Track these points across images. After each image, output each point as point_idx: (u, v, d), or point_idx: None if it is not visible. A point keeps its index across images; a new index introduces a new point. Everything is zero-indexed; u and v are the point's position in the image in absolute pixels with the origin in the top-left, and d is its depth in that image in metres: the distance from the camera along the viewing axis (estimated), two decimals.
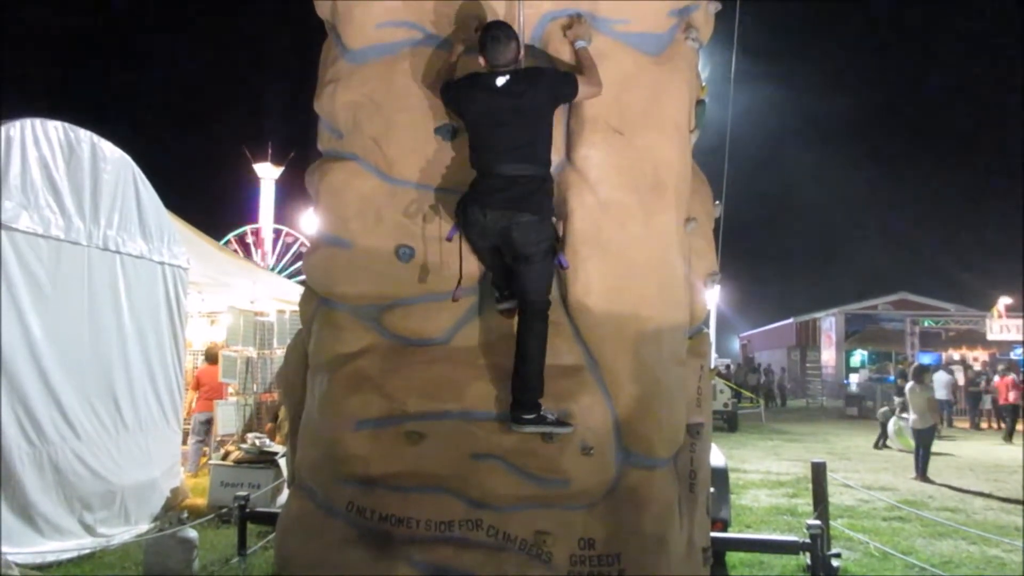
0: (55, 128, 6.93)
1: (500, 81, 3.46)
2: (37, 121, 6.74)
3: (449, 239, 3.60)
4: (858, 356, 34.27)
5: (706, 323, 4.64)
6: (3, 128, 6.35)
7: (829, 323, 35.60)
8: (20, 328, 6.35)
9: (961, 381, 23.60)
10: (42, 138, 6.75)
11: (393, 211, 3.83)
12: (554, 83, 3.52)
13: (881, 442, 15.78)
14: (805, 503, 8.96)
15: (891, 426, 15.01)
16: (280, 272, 27.56)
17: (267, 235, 31.46)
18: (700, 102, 4.34)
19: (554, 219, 3.64)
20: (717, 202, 4.68)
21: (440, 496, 3.53)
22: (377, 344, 3.85)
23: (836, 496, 9.33)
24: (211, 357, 11.47)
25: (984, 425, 22.24)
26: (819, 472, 6.46)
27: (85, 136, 7.29)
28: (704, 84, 4.62)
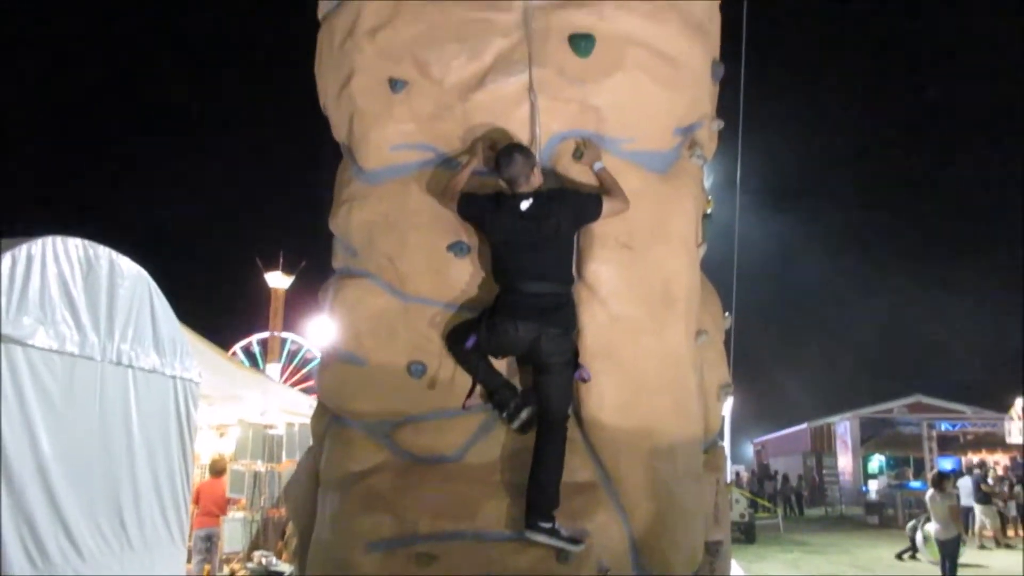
0: (75, 246, 7.09)
1: (524, 205, 3.59)
2: (59, 239, 6.91)
3: (469, 348, 3.63)
4: (875, 462, 33.50)
5: (720, 435, 4.59)
6: (25, 246, 6.50)
7: (844, 428, 34.99)
8: (30, 446, 6.30)
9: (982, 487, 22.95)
10: (62, 255, 6.90)
11: (406, 327, 3.87)
12: (577, 206, 3.65)
13: (909, 555, 15.18)
14: None
15: (919, 536, 14.43)
16: (288, 381, 27.51)
17: (276, 344, 31.54)
18: (706, 216, 4.44)
19: (574, 333, 3.70)
20: (727, 313, 4.72)
21: None
22: (389, 462, 3.82)
23: None
24: (216, 470, 11.31)
25: (1011, 533, 21.49)
26: None
27: (104, 252, 7.45)
28: (710, 198, 4.73)
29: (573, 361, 3.62)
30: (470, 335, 3.63)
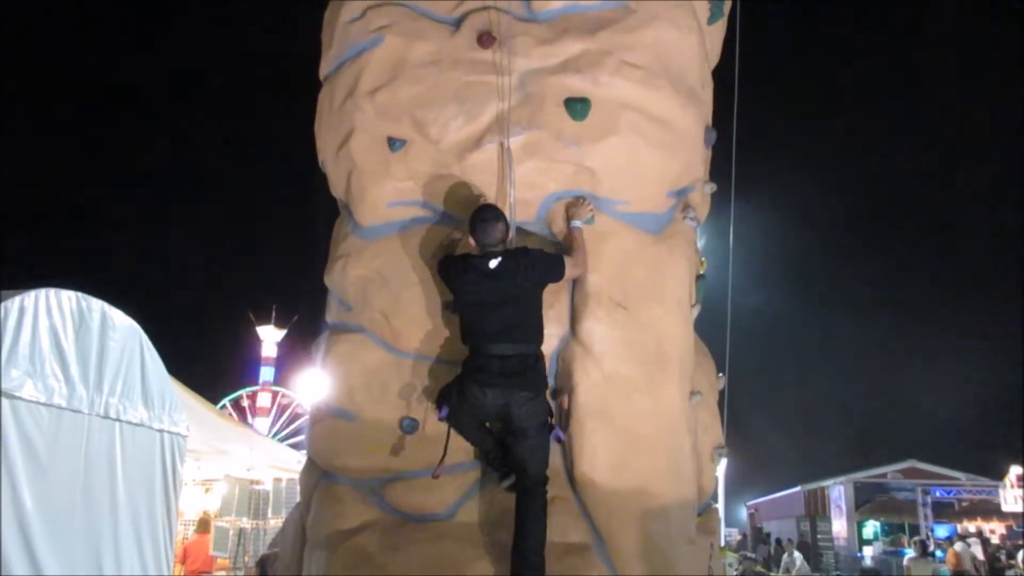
0: (68, 298, 7.08)
1: (492, 263, 3.57)
2: (52, 291, 6.90)
3: (441, 418, 3.59)
4: (870, 527, 33.05)
5: (714, 498, 4.54)
6: (18, 299, 6.48)
7: (838, 492, 34.55)
8: (13, 501, 6.19)
9: (980, 555, 22.62)
10: (55, 308, 6.88)
11: (398, 383, 3.85)
12: (540, 266, 3.63)
13: None
14: None
15: None
16: (277, 436, 27.22)
17: (266, 399, 31.32)
18: (700, 277, 4.47)
19: (547, 393, 3.68)
20: (720, 374, 4.71)
21: None
22: (378, 520, 3.76)
23: None
24: (204, 527, 11.09)
25: None
26: None
27: (97, 305, 7.43)
28: (703, 259, 4.77)
29: (548, 422, 3.58)
30: (443, 404, 3.59)
